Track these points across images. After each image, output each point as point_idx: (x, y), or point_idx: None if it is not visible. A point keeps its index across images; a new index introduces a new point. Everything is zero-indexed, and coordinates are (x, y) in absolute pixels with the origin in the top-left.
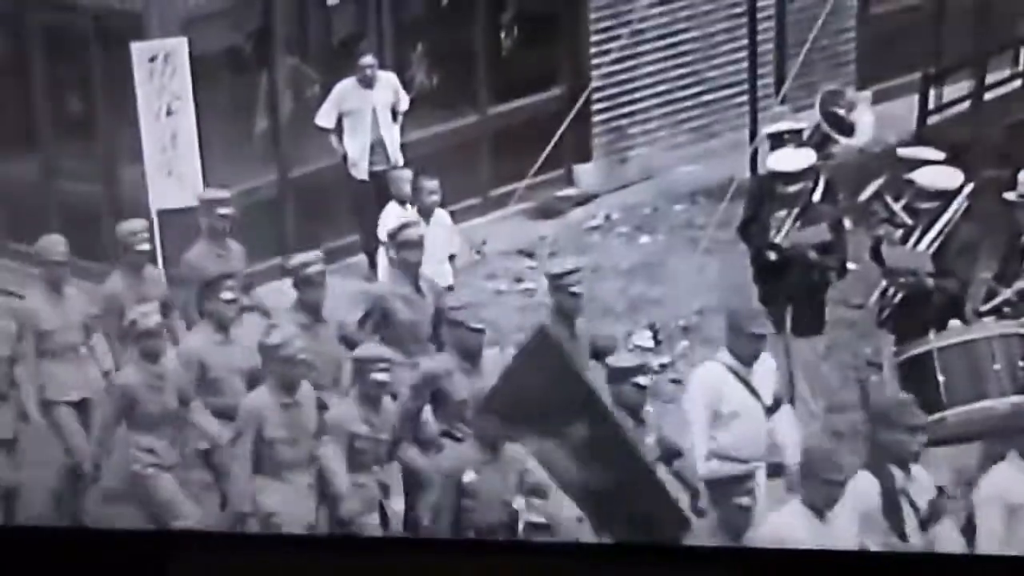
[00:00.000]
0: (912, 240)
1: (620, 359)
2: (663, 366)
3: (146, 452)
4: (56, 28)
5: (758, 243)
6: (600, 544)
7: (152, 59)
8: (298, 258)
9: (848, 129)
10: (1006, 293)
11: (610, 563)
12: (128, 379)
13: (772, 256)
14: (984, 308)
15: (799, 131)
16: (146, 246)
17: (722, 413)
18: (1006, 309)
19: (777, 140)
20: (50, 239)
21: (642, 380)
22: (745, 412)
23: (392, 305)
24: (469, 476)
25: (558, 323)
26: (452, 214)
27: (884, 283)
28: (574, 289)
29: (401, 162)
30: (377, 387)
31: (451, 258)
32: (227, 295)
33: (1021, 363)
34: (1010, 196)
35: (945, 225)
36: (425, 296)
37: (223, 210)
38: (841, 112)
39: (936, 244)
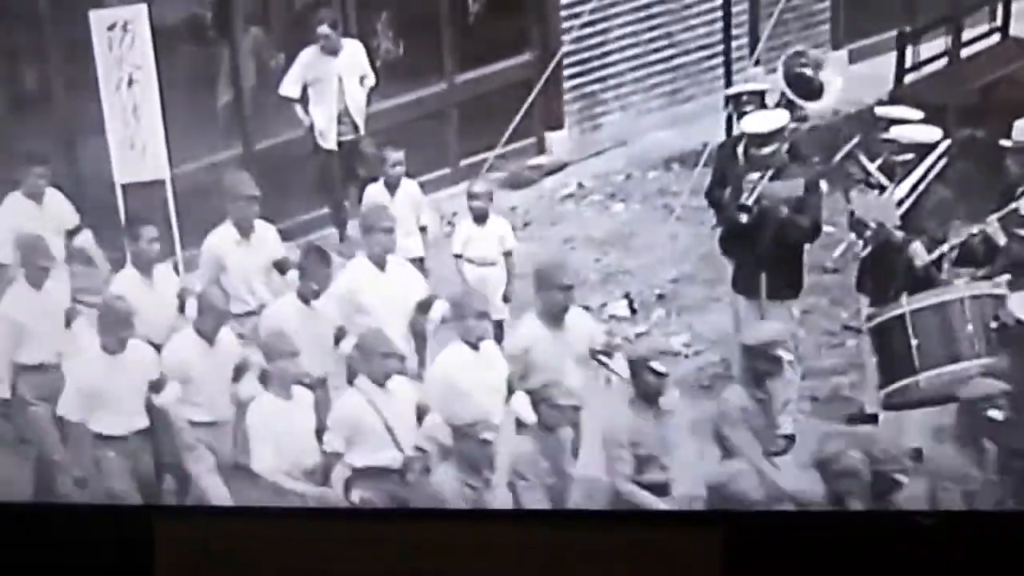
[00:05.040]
0: (885, 195)
1: None
2: (639, 335)
3: None
4: None
5: (726, 207)
6: (578, 510)
7: (111, 27)
8: None
9: (817, 90)
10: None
11: (588, 526)
12: None
13: (743, 218)
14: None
15: (760, 93)
16: None
17: None
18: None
19: (737, 102)
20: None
21: None
22: None
23: None
24: None
25: None
26: (421, 185)
27: (852, 235)
28: None
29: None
30: None
31: (422, 230)
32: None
33: (993, 324)
34: (1006, 143)
35: (919, 180)
36: None
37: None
38: (808, 73)
39: (910, 199)
